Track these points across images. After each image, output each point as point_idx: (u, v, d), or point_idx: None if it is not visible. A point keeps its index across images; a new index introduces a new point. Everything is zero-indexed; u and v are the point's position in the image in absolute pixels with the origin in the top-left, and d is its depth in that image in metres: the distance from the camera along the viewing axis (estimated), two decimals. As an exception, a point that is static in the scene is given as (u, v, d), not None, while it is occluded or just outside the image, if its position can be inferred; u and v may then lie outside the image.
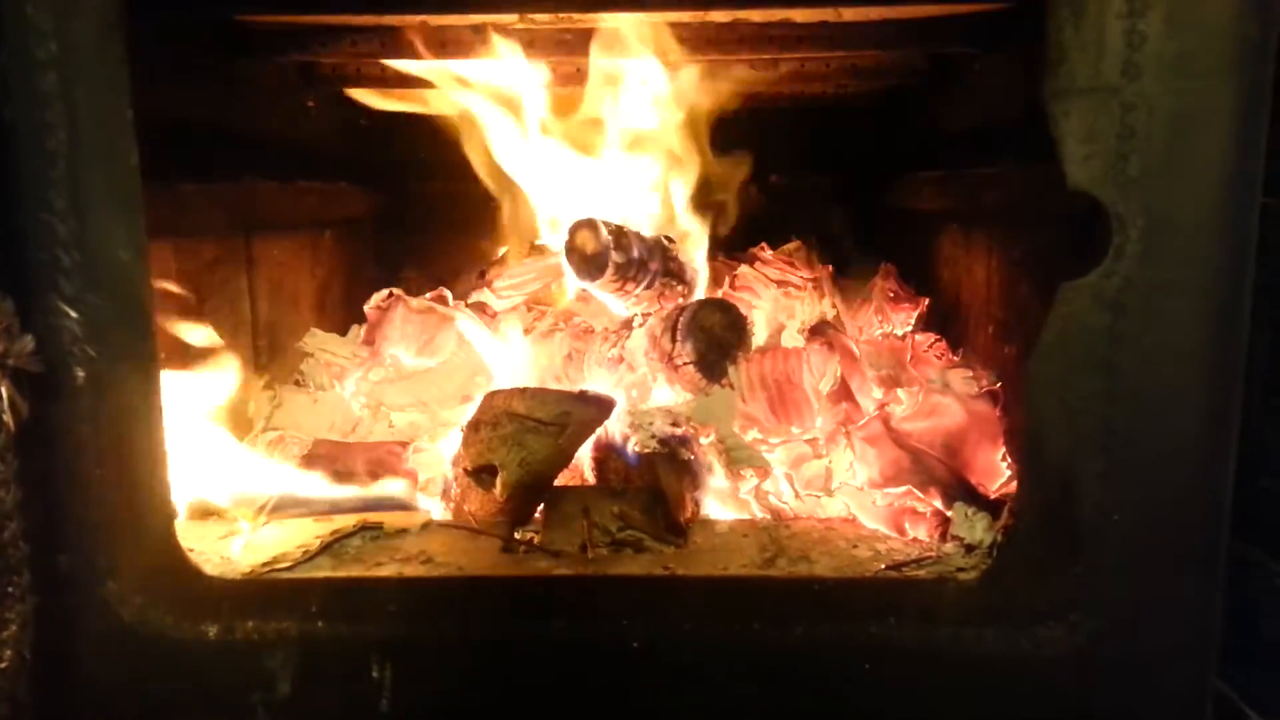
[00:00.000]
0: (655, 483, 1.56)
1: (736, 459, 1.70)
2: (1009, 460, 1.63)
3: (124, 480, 1.20)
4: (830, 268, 2.49)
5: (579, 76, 2.32)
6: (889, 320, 2.36)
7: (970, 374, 1.91)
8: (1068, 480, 1.18)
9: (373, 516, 1.54)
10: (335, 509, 1.57)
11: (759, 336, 2.09)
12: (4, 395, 1.05)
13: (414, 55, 2.17)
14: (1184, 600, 1.20)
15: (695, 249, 2.42)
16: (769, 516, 1.63)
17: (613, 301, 2.27)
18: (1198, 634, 1.21)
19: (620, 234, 2.13)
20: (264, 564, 1.39)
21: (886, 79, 2.57)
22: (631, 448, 1.69)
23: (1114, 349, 1.14)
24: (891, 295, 2.42)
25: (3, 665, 1.08)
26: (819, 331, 1.96)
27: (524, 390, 1.70)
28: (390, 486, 1.65)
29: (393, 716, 1.25)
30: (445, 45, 2.16)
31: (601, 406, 1.70)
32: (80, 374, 1.16)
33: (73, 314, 1.15)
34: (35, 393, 1.09)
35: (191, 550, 1.33)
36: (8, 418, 1.05)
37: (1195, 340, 1.14)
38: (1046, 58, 1.11)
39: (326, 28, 2.11)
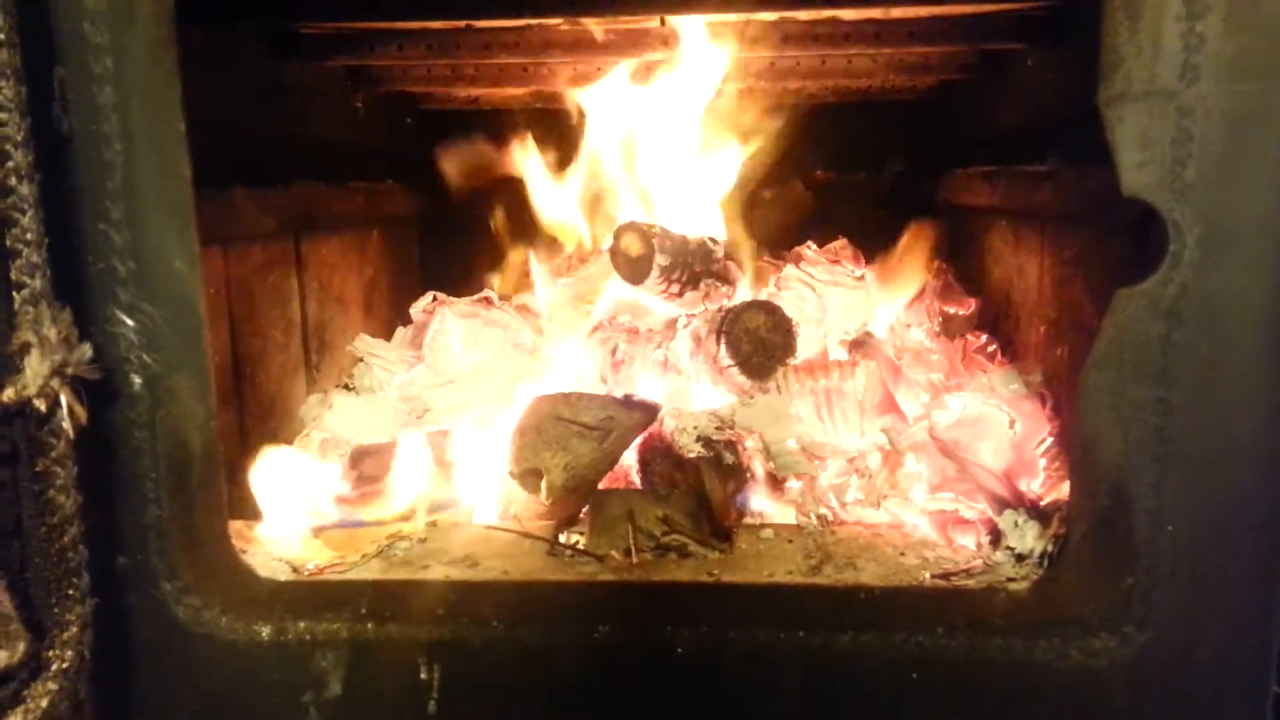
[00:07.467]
0: (700, 487, 1.56)
1: (782, 465, 1.69)
2: (1058, 467, 1.60)
3: (179, 484, 1.23)
4: (875, 265, 2.46)
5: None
6: (938, 319, 2.33)
7: (1020, 376, 1.88)
8: (1121, 489, 1.16)
9: (425, 518, 1.56)
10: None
11: (805, 338, 2.07)
12: (64, 403, 1.07)
13: (460, 58, 2.19)
14: (1241, 610, 1.17)
15: (740, 250, 2.40)
16: (814, 522, 1.62)
17: (658, 304, 2.26)
18: (1256, 645, 1.18)
19: (665, 236, 2.12)
20: (323, 566, 1.42)
21: (935, 75, 2.53)
22: (676, 452, 1.69)
23: (1170, 357, 1.11)
24: (941, 293, 2.38)
25: (65, 665, 1.10)
26: (860, 344, 1.94)
27: (569, 395, 1.70)
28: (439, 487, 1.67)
29: (440, 717, 1.26)
30: (490, 48, 2.17)
31: (646, 411, 1.70)
32: (137, 380, 1.19)
33: (129, 322, 1.18)
34: (93, 399, 1.12)
35: (244, 552, 1.35)
36: (67, 425, 1.07)
37: (1253, 349, 1.11)
38: (1100, 62, 1.08)
39: (374, 32, 2.14)
